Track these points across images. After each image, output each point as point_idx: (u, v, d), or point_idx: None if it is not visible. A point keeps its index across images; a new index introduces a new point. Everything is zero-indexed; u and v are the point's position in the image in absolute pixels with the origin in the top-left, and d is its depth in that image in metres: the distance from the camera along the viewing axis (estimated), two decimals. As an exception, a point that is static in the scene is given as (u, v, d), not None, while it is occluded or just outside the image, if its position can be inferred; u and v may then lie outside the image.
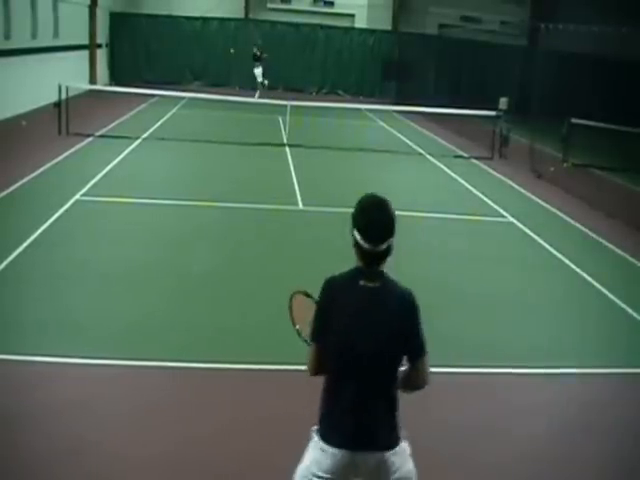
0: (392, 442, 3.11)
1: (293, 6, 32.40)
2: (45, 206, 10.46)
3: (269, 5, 32.32)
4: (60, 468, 4.64)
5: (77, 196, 11.22)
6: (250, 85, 27.73)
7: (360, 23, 32.72)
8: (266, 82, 27.46)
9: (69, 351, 6.15)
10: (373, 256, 3.07)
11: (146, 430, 5.15)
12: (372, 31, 32.02)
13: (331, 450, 3.07)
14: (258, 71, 27.46)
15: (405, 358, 3.15)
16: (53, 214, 10.10)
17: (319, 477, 3.09)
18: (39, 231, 9.32)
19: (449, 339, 7.06)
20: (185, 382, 5.93)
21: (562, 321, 7.86)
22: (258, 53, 27.50)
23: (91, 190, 11.72)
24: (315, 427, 3.20)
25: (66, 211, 10.42)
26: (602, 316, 8.08)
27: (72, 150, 14.95)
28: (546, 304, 8.30)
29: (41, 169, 12.91)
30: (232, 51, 29.33)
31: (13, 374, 5.80)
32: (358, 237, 3.04)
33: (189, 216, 10.89)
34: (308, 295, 3.51)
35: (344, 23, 32.60)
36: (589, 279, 9.13)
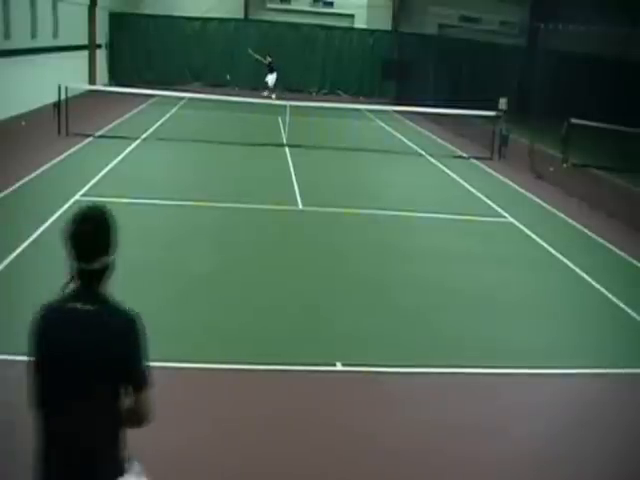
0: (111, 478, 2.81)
1: (293, 6, 32.40)
2: (45, 206, 10.46)
3: (268, 5, 32.31)
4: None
5: (77, 196, 11.22)
6: (249, 85, 27.87)
7: (360, 23, 32.72)
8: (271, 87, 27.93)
9: (69, 351, 6.14)
10: (86, 275, 2.71)
11: (146, 430, 5.14)
12: (372, 31, 32.02)
13: None
14: (272, 77, 28.02)
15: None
16: (53, 214, 10.10)
17: None
18: (39, 231, 9.32)
19: (449, 339, 7.08)
20: (185, 382, 5.93)
21: (562, 321, 7.86)
22: (267, 61, 28.13)
23: (91, 190, 11.72)
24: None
25: (66, 211, 10.41)
26: (602, 316, 8.09)
27: (72, 150, 14.94)
28: (546, 304, 8.30)
29: (41, 169, 12.90)
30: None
31: (13, 374, 5.80)
32: (71, 255, 2.70)
33: (188, 216, 10.89)
34: None
35: (344, 23, 32.60)
36: (589, 279, 9.14)
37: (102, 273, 2.74)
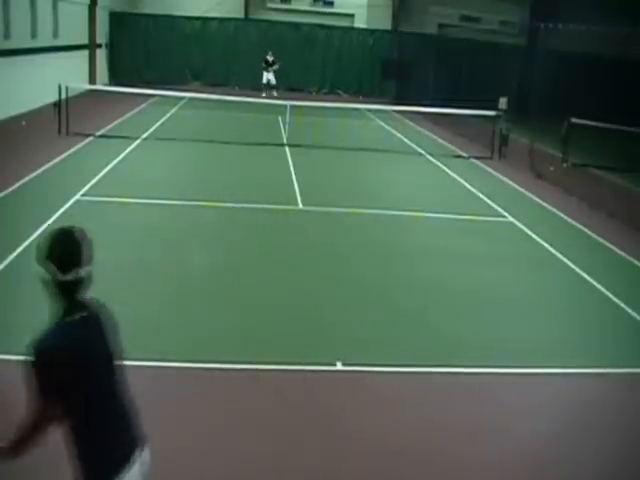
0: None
1: (293, 6, 32.40)
2: (45, 206, 10.46)
3: (269, 5, 32.32)
4: (59, 468, 4.63)
5: (77, 196, 11.23)
6: (249, 85, 27.95)
7: (360, 23, 32.72)
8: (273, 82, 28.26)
9: (69, 351, 6.14)
10: (72, 287, 3.06)
11: (145, 430, 5.14)
12: (372, 31, 32.02)
13: (127, 473, 3.17)
14: (269, 75, 28.33)
15: None
16: (53, 214, 10.10)
17: None
18: (39, 231, 9.31)
19: (449, 339, 7.08)
20: (184, 382, 5.93)
21: (562, 321, 7.86)
22: (270, 60, 28.49)
23: (91, 190, 11.72)
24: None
25: (66, 211, 10.42)
26: (602, 316, 8.09)
27: (72, 150, 14.95)
28: (546, 304, 8.30)
29: (41, 169, 12.91)
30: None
31: (13, 374, 5.80)
32: (53, 270, 2.97)
33: (188, 216, 10.89)
34: None
35: (344, 23, 32.61)
36: (589, 279, 9.14)
37: (85, 282, 3.12)
